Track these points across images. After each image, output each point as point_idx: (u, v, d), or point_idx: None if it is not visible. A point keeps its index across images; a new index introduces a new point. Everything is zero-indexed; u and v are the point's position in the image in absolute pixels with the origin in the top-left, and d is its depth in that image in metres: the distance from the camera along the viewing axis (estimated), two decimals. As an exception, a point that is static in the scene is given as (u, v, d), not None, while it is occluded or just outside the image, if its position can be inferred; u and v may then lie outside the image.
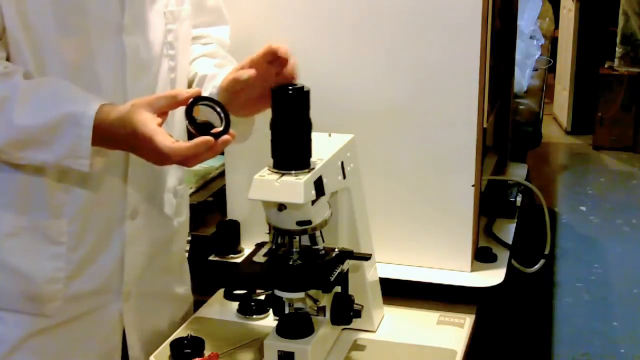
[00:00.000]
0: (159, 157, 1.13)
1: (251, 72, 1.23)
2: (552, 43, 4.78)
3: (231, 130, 1.15)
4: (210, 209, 1.93)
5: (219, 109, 1.16)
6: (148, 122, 1.11)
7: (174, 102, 1.15)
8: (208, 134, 1.13)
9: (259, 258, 1.29)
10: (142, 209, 1.35)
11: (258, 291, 1.49)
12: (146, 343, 1.42)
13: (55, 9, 1.17)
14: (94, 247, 1.30)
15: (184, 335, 1.38)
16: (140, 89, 1.26)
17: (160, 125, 1.13)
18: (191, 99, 1.14)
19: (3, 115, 1.14)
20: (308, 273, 1.24)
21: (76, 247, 1.28)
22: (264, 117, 1.18)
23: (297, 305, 1.29)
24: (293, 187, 1.14)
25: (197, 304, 1.57)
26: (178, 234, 1.49)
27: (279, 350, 1.25)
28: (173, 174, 1.44)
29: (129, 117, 1.12)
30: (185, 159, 1.13)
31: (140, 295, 1.39)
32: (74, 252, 1.28)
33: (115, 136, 1.15)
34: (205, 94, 1.27)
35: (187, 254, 1.57)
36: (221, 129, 1.14)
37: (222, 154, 1.68)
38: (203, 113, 1.17)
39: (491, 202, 1.89)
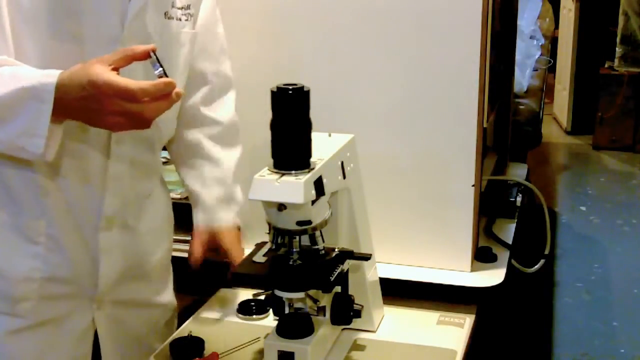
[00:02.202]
0: (124, 97, 1.06)
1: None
2: (552, 43, 4.77)
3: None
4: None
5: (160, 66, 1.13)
6: (104, 72, 1.07)
7: (129, 56, 1.10)
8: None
9: (259, 258, 1.29)
10: (117, 221, 1.33)
11: (258, 291, 1.49)
12: (123, 351, 1.41)
13: (51, 14, 1.16)
14: (70, 252, 1.29)
15: (184, 335, 1.38)
16: None
17: None
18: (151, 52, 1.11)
19: None
20: (308, 273, 1.24)
21: (54, 249, 1.28)
22: (264, 117, 1.18)
23: (297, 305, 1.29)
24: (293, 187, 1.14)
25: (197, 304, 1.57)
26: (158, 243, 1.47)
27: (279, 350, 1.25)
28: (152, 182, 1.42)
29: (84, 72, 1.07)
30: (150, 97, 1.08)
31: (114, 303, 1.38)
32: (51, 254, 1.28)
33: (75, 99, 1.09)
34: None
35: (170, 262, 1.54)
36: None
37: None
38: None
39: (491, 202, 1.89)
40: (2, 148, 1.14)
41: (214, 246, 1.47)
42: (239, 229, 1.51)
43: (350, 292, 1.32)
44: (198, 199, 1.48)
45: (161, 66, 1.12)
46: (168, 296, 1.53)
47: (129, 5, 1.22)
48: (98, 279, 1.33)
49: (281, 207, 1.18)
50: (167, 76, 1.11)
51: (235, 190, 1.51)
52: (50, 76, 1.10)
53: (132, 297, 1.42)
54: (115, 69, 1.09)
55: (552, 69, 5.38)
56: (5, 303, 1.27)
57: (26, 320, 1.29)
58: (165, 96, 1.09)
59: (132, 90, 1.06)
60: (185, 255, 1.60)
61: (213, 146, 1.49)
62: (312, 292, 1.28)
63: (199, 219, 1.48)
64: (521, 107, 3.20)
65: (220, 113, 1.50)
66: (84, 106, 1.09)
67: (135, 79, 1.08)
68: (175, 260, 1.58)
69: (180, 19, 1.34)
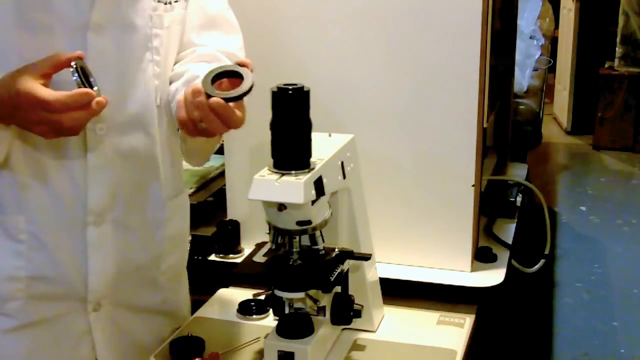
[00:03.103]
0: (43, 107, 1.08)
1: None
2: (552, 43, 4.77)
3: (103, 95, 1.12)
4: (210, 209, 1.93)
5: (91, 79, 1.13)
6: (28, 80, 1.08)
7: (55, 63, 1.11)
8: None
9: (259, 258, 1.29)
10: (109, 216, 1.29)
11: (258, 291, 1.49)
12: (123, 357, 1.37)
13: (17, 3, 1.15)
14: (55, 250, 1.26)
15: (184, 335, 1.38)
16: (105, 93, 1.17)
17: (44, 85, 1.10)
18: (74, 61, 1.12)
19: None
20: (308, 273, 1.24)
21: (37, 247, 1.25)
22: (264, 117, 1.18)
23: (297, 305, 1.29)
24: (293, 187, 1.14)
25: (197, 304, 1.57)
26: (169, 248, 1.42)
27: (279, 350, 1.25)
28: (163, 185, 1.37)
29: (11, 80, 1.09)
30: (66, 108, 1.09)
31: (114, 307, 1.34)
32: (35, 252, 1.25)
33: (6, 105, 1.10)
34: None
35: (186, 270, 1.51)
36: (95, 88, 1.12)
37: (222, 153, 1.69)
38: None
39: (491, 202, 1.89)
40: None
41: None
42: None
43: (350, 292, 1.32)
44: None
45: (80, 76, 1.12)
46: (179, 305, 1.49)
47: None
48: (87, 279, 1.29)
49: (281, 207, 1.18)
50: (86, 86, 1.11)
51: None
52: None
53: (136, 302, 1.38)
54: (46, 76, 1.11)
55: (552, 69, 5.37)
56: None
57: (16, 320, 1.27)
58: (84, 107, 1.10)
59: (47, 100, 1.08)
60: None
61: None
62: (312, 292, 1.28)
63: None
64: (521, 107, 3.20)
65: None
66: (13, 113, 1.12)
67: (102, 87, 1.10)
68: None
69: (167, 2, 1.31)
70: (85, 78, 1.12)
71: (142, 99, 1.30)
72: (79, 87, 1.11)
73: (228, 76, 1.20)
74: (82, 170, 1.25)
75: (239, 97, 1.16)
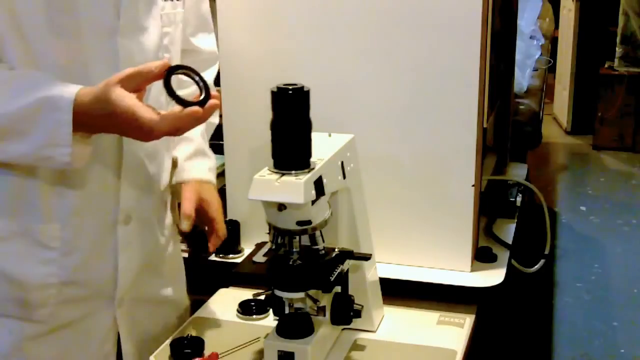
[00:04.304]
0: (144, 131, 1.10)
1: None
2: (552, 43, 4.78)
3: (213, 93, 1.14)
4: (210, 209, 1.92)
5: (196, 77, 1.14)
6: (126, 98, 1.08)
7: (148, 77, 1.12)
8: (190, 103, 1.11)
9: (259, 258, 1.29)
10: (135, 214, 1.33)
11: (258, 291, 1.49)
12: (140, 349, 1.41)
13: (47, 10, 1.16)
14: (87, 253, 1.28)
15: (184, 335, 1.38)
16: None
17: (139, 100, 1.11)
18: (166, 71, 1.11)
19: None
20: (308, 273, 1.24)
21: (69, 252, 1.26)
22: (264, 117, 1.18)
23: (297, 305, 1.29)
24: (293, 187, 1.14)
25: (197, 304, 1.57)
26: (172, 238, 1.48)
27: (279, 350, 1.25)
28: (166, 177, 1.42)
29: (106, 96, 1.09)
30: (174, 130, 1.12)
31: (133, 301, 1.37)
32: (67, 258, 1.26)
33: (96, 118, 1.11)
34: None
35: (182, 258, 1.55)
36: (203, 96, 1.13)
37: (222, 153, 1.70)
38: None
39: (491, 202, 1.89)
40: (29, 160, 1.16)
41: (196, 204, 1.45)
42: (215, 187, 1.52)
43: (350, 292, 1.32)
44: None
45: (198, 82, 1.13)
46: (180, 293, 1.53)
47: None
48: (117, 277, 1.32)
49: (281, 207, 1.18)
50: (202, 84, 1.13)
51: (205, 148, 1.52)
52: (67, 86, 1.12)
53: (147, 294, 1.42)
54: (139, 90, 1.12)
55: (552, 69, 5.38)
56: (23, 310, 1.26)
57: (46, 326, 1.27)
58: (198, 119, 1.12)
59: (148, 127, 1.09)
60: (185, 255, 1.61)
61: None
62: (312, 292, 1.28)
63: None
64: (521, 107, 3.20)
65: None
66: (106, 127, 1.13)
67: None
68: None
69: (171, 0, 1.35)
70: (195, 77, 1.14)
71: (156, 97, 1.33)
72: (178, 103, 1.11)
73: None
74: (116, 171, 1.28)
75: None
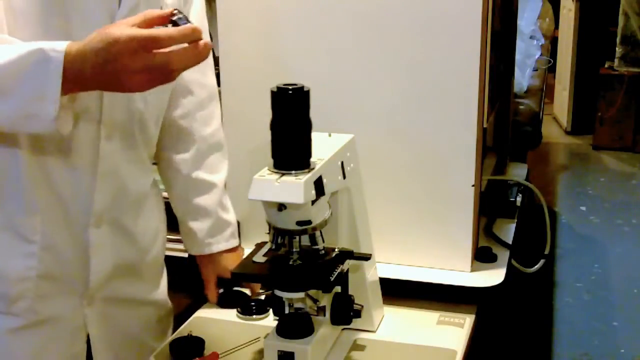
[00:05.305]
0: (150, 46, 1.02)
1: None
2: (552, 43, 4.78)
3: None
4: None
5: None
6: (125, 28, 1.02)
7: (150, 19, 1.05)
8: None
9: (259, 258, 1.29)
10: (107, 218, 1.32)
11: (258, 291, 1.49)
12: (116, 349, 1.40)
13: (42, 11, 1.15)
14: (63, 249, 1.29)
15: (184, 335, 1.38)
16: (119, 95, 1.22)
17: None
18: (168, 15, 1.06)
19: None
20: (308, 273, 1.24)
21: (47, 247, 1.27)
22: (264, 117, 1.18)
23: (297, 305, 1.29)
24: (293, 187, 1.14)
25: (197, 304, 1.57)
26: (152, 242, 1.46)
27: (279, 350, 1.25)
28: (140, 181, 1.40)
29: (101, 37, 1.03)
30: (175, 42, 1.04)
31: (106, 300, 1.37)
32: (45, 252, 1.27)
33: (91, 66, 1.03)
34: None
35: (163, 259, 1.54)
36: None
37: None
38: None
39: (491, 202, 1.89)
40: (12, 122, 1.07)
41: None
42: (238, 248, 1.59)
43: (350, 292, 1.32)
44: (190, 231, 1.55)
45: (187, 21, 1.06)
46: (161, 294, 1.52)
47: (121, 5, 1.21)
48: (89, 277, 1.32)
49: (281, 207, 1.18)
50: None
51: (224, 216, 1.57)
52: (57, 43, 1.06)
53: (123, 295, 1.41)
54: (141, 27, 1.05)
55: (552, 69, 5.38)
56: (2, 302, 1.27)
57: (23, 319, 1.28)
58: (193, 45, 1.05)
59: (157, 36, 1.02)
60: (181, 255, 1.61)
61: (197, 171, 1.52)
62: (312, 292, 1.28)
63: (193, 250, 1.57)
64: (521, 107, 3.20)
65: (204, 130, 1.52)
66: (101, 72, 1.04)
67: None
68: (172, 260, 1.58)
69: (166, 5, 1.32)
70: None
71: (132, 111, 1.32)
72: None
73: None
74: (91, 174, 1.27)
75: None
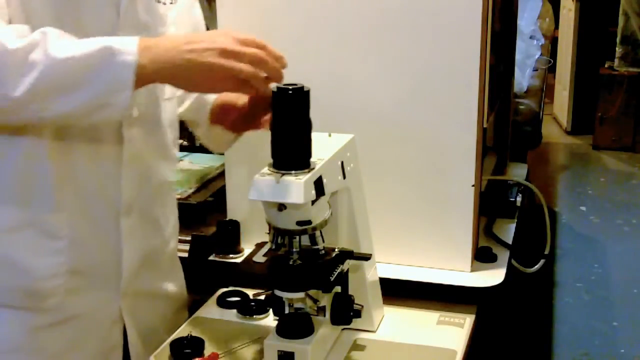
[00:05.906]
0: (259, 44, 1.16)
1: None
2: (552, 43, 4.77)
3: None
4: (210, 209, 1.92)
5: None
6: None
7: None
8: None
9: (259, 258, 1.29)
10: (136, 206, 1.35)
11: (258, 291, 1.49)
12: (145, 340, 1.43)
13: (55, 11, 1.19)
14: (93, 243, 1.30)
15: (184, 335, 1.38)
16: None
17: None
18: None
19: (39, 51, 1.07)
20: (308, 273, 1.24)
21: (76, 242, 1.28)
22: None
23: (297, 305, 1.29)
24: (293, 187, 1.14)
25: (197, 304, 1.57)
26: (170, 232, 1.49)
27: (279, 350, 1.25)
28: (163, 169, 1.43)
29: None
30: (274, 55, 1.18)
31: (134, 293, 1.39)
32: (74, 248, 1.28)
33: (169, 42, 1.13)
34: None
35: (177, 252, 1.56)
36: None
37: (222, 153, 1.69)
38: None
39: (491, 202, 1.89)
40: (85, 111, 1.12)
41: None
42: None
43: (350, 292, 1.32)
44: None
45: None
46: (177, 287, 1.54)
47: None
48: (122, 268, 1.34)
49: (281, 207, 1.18)
50: None
51: None
52: (126, 38, 1.12)
53: (147, 287, 1.43)
54: None
55: (552, 69, 5.38)
56: (33, 300, 1.28)
57: (55, 316, 1.30)
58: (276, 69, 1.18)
59: (267, 45, 1.17)
60: (182, 255, 1.61)
61: None
62: (312, 292, 1.28)
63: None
64: (521, 107, 3.20)
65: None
66: (178, 41, 1.13)
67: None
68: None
69: (165, 3, 1.37)
70: None
71: (153, 94, 1.35)
72: None
73: None
74: (116, 163, 1.30)
75: None
